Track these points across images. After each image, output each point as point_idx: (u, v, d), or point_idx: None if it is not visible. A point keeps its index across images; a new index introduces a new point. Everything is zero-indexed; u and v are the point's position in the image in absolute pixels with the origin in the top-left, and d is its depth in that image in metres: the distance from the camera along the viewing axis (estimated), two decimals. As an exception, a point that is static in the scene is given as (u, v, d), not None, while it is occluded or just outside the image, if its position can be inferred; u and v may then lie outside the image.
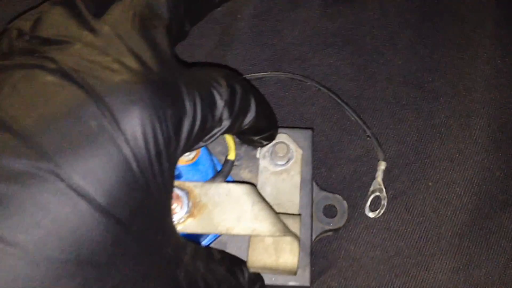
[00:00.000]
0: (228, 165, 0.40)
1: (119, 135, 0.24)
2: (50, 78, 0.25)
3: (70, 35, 0.27)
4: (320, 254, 0.51)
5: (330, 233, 0.49)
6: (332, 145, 0.54)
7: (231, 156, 0.41)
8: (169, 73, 0.27)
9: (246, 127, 0.34)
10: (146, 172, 0.25)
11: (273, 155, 0.46)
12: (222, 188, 0.38)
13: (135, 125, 0.24)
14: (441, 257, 0.50)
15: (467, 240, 0.51)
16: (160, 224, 0.28)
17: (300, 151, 0.46)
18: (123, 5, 0.29)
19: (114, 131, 0.24)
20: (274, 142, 0.45)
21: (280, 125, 0.53)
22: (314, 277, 0.49)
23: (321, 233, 0.48)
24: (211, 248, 0.36)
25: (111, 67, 0.25)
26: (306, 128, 0.48)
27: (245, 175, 0.47)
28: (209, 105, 0.29)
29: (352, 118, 0.55)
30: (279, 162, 0.46)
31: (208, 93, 0.29)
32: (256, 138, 0.39)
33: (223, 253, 0.36)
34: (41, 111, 0.24)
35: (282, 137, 0.46)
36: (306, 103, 0.56)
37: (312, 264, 0.44)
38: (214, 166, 0.42)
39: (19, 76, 0.25)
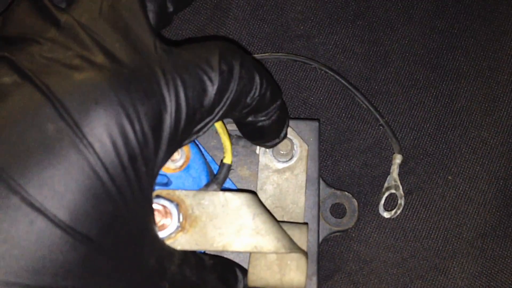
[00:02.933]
0: (224, 170, 0.37)
1: (81, 139, 0.22)
2: (5, 79, 0.23)
3: (32, 31, 0.26)
4: (327, 257, 0.49)
5: (338, 233, 0.47)
6: (339, 134, 0.52)
7: (228, 159, 0.37)
8: (143, 62, 0.26)
9: (247, 112, 0.32)
10: (118, 180, 0.24)
11: (275, 151, 0.42)
12: (218, 198, 0.35)
13: (99, 127, 0.23)
14: (461, 260, 0.49)
15: (491, 241, 0.49)
16: (139, 235, 0.27)
17: (305, 147, 0.43)
18: None
19: (74, 135, 0.22)
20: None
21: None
22: (320, 282, 0.47)
23: (328, 235, 0.46)
24: (202, 253, 0.35)
25: (72, 64, 0.24)
26: (311, 119, 0.45)
27: (243, 172, 0.44)
28: (197, 93, 0.27)
29: (362, 104, 0.52)
30: (282, 159, 0.42)
31: (196, 79, 0.27)
32: (263, 136, 0.36)
33: (215, 258, 0.35)
34: None
35: None
36: (310, 87, 0.53)
37: (319, 268, 0.42)
38: (207, 169, 0.38)
39: None
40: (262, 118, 0.33)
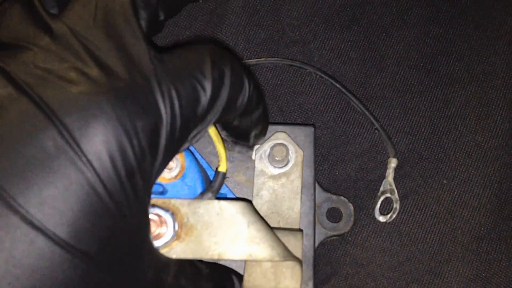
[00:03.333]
0: (219, 178, 0.37)
1: (80, 157, 0.22)
2: None
3: (25, 38, 0.25)
4: (324, 260, 0.49)
5: (334, 238, 0.47)
6: (335, 139, 0.51)
7: (222, 167, 0.37)
8: (139, 75, 0.25)
9: (235, 117, 0.32)
10: (116, 196, 0.23)
11: (270, 157, 0.42)
12: (213, 206, 0.36)
13: (98, 144, 0.23)
14: (456, 263, 0.48)
15: (486, 244, 0.49)
16: (137, 248, 0.26)
17: (300, 152, 0.43)
18: None
19: (73, 153, 0.22)
20: (271, 143, 0.42)
21: (276, 119, 0.49)
22: (317, 286, 0.48)
23: (324, 239, 0.46)
24: (198, 262, 0.34)
25: (68, 77, 0.24)
26: (307, 124, 0.44)
27: (239, 178, 0.44)
28: (191, 103, 0.27)
29: (358, 109, 0.51)
30: (278, 165, 0.42)
31: (189, 88, 0.27)
32: (248, 137, 0.37)
33: (212, 266, 0.35)
34: None
35: (280, 136, 0.43)
36: (305, 92, 0.52)
37: (315, 273, 0.42)
38: (203, 177, 0.38)
39: None
40: (247, 122, 0.33)
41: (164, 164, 0.27)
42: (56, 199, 0.21)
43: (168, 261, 0.30)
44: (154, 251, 0.29)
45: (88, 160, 0.22)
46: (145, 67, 0.26)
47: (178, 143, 0.27)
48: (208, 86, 0.27)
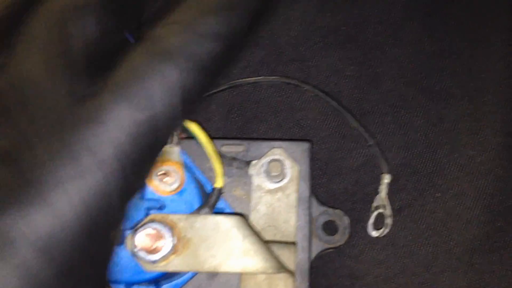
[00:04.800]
0: (215, 194, 0.39)
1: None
2: None
3: None
4: (320, 273, 0.50)
5: (331, 250, 0.47)
6: (331, 154, 0.52)
7: (219, 183, 0.39)
8: None
9: None
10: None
11: (267, 173, 0.44)
12: (209, 221, 0.37)
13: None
14: (450, 274, 0.49)
15: (479, 256, 0.49)
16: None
17: (296, 167, 0.44)
18: None
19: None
20: (268, 159, 0.43)
21: (275, 135, 0.51)
22: (314, 297, 0.48)
23: (321, 251, 0.46)
24: None
25: None
26: (303, 140, 0.45)
27: (237, 193, 0.45)
28: None
29: (353, 125, 0.52)
30: (274, 180, 0.44)
31: None
32: None
33: None
34: None
35: (276, 152, 0.44)
36: (303, 109, 0.53)
37: (310, 285, 0.43)
38: (201, 193, 0.40)
39: None
40: None
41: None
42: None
43: None
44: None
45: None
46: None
47: None
48: None
